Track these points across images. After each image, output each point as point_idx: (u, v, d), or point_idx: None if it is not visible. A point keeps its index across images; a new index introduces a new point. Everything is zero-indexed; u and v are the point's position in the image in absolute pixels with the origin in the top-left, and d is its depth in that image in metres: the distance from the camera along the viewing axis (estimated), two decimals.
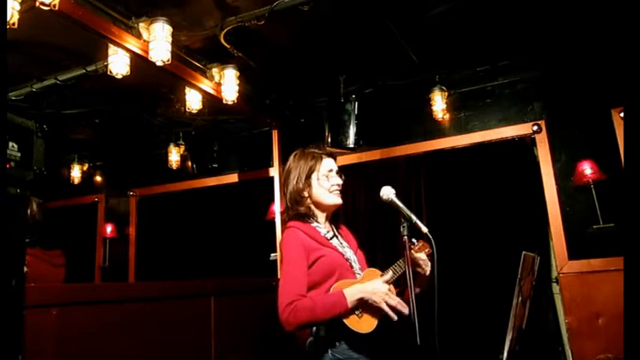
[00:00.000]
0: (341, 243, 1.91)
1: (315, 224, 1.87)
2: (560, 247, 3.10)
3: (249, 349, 2.56)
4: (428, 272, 1.80)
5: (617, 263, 2.87)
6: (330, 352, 1.69)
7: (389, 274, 1.77)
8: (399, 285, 1.88)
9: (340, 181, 1.91)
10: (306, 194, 1.89)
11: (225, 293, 2.45)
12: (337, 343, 1.69)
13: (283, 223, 1.92)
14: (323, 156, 1.93)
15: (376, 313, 1.73)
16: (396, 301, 1.69)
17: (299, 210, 1.87)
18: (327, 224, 1.94)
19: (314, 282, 1.73)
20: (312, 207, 1.90)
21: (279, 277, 3.33)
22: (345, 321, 1.67)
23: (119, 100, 3.64)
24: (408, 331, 1.58)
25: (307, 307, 1.62)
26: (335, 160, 1.97)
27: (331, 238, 1.87)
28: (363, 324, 1.70)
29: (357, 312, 1.70)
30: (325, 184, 1.88)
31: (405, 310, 1.68)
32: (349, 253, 1.88)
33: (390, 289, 1.74)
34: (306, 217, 1.87)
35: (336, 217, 2.01)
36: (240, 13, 2.65)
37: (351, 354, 1.69)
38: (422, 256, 1.81)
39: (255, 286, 2.81)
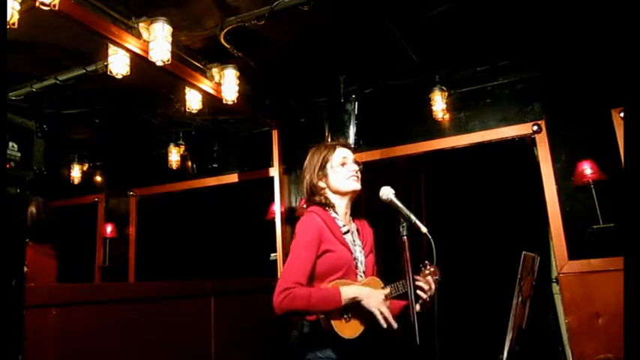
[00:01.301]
0: (353, 241, 1.88)
1: (333, 214, 1.87)
2: (560, 247, 3.09)
3: (249, 349, 2.56)
4: (430, 297, 1.79)
5: (617, 263, 2.86)
6: (313, 351, 1.70)
7: (388, 290, 1.79)
8: (407, 298, 1.87)
9: (356, 168, 1.90)
10: (322, 184, 1.89)
11: (225, 293, 2.45)
12: (320, 343, 1.69)
13: (293, 216, 1.94)
14: (337, 146, 1.94)
15: (365, 320, 1.73)
16: (388, 313, 1.69)
17: (314, 200, 1.88)
18: (347, 217, 1.92)
19: (318, 273, 1.73)
20: (330, 196, 1.89)
21: (279, 276, 3.33)
22: (331, 321, 1.67)
23: (119, 100, 3.64)
24: (406, 332, 1.58)
25: (303, 296, 1.63)
26: (352, 150, 1.97)
27: (345, 233, 1.86)
28: (347, 329, 1.70)
29: (345, 316, 1.70)
30: (341, 171, 1.88)
31: (395, 325, 1.69)
32: (358, 253, 1.86)
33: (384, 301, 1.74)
34: (325, 205, 1.87)
35: (356, 212, 2.00)
36: (240, 13, 2.65)
37: (331, 355, 1.69)
38: (429, 282, 1.79)
39: (255, 286, 2.81)
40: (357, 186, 1.89)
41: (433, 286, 1.77)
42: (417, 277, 1.77)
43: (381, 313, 1.68)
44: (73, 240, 4.64)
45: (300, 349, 1.72)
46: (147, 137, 4.47)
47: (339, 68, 3.48)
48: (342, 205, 1.91)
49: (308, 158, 1.96)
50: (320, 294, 1.66)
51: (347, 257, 1.80)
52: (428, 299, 1.78)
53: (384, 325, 1.68)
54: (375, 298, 1.70)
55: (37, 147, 1.37)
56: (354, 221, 1.97)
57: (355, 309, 1.70)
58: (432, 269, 1.81)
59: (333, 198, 1.90)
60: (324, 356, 1.68)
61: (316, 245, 1.74)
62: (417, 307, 1.75)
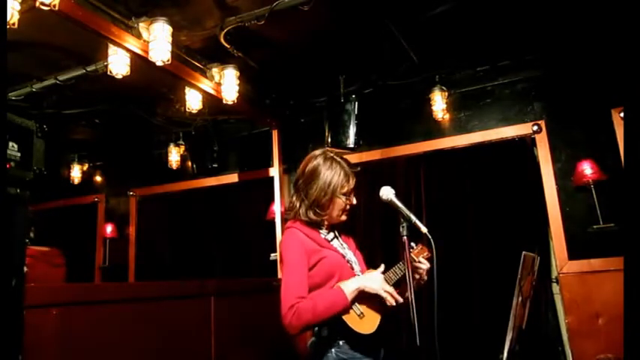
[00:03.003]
0: (342, 244, 1.90)
1: (316, 228, 1.86)
2: (560, 247, 3.10)
3: (249, 349, 2.56)
4: (424, 279, 1.80)
5: (617, 263, 2.87)
6: (333, 351, 1.69)
7: (381, 267, 1.78)
8: (398, 287, 1.88)
9: (355, 202, 1.89)
10: (325, 203, 1.85)
11: (225, 293, 2.45)
12: (340, 343, 1.69)
13: (285, 221, 1.89)
14: (353, 175, 1.88)
15: (378, 309, 1.73)
16: (392, 289, 1.71)
17: (319, 214, 1.81)
18: (329, 228, 1.93)
19: (315, 284, 1.73)
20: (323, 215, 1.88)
21: (279, 277, 3.33)
22: (347, 322, 1.67)
23: (119, 100, 3.64)
24: (408, 331, 1.58)
25: (308, 308, 1.62)
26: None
27: (332, 240, 1.87)
28: (365, 325, 1.70)
29: (358, 312, 1.70)
30: (342, 203, 1.84)
31: (400, 299, 1.70)
32: (350, 255, 1.88)
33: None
34: (314, 224, 1.84)
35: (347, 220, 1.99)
36: (240, 13, 2.65)
37: (355, 354, 1.69)
38: (421, 262, 1.79)
39: (255, 287, 2.81)
40: (344, 219, 1.89)
41: (425, 267, 1.77)
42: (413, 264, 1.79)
43: (387, 292, 1.69)
44: (73, 240, 4.65)
45: (320, 353, 1.72)
46: (147, 137, 4.47)
47: (339, 68, 3.48)
48: (326, 223, 1.90)
49: (326, 168, 1.83)
50: (324, 300, 1.66)
51: (339, 260, 1.80)
52: (423, 277, 1.79)
53: (392, 303, 1.69)
54: (375, 280, 1.71)
55: (37, 147, 1.37)
56: (333, 229, 1.96)
57: (365, 302, 1.71)
58: (420, 248, 1.80)
59: (323, 217, 1.87)
60: (347, 357, 1.68)
61: (305, 259, 1.73)
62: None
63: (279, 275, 3.32)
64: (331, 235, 1.89)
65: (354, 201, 1.88)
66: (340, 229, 1.99)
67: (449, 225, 3.50)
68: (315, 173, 1.83)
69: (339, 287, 1.68)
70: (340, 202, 1.84)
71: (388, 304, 1.69)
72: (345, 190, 1.84)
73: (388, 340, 1.81)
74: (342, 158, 1.91)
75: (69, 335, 1.61)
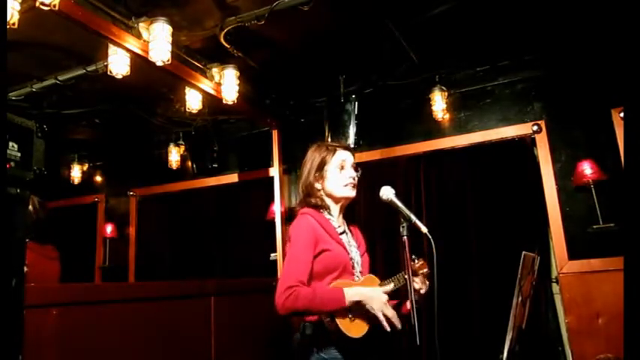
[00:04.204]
0: (349, 241, 1.90)
1: (328, 216, 1.87)
2: (560, 247, 3.09)
3: (249, 349, 2.56)
4: (424, 291, 1.79)
5: (617, 263, 2.87)
6: (317, 352, 1.69)
7: (390, 286, 1.76)
8: (399, 297, 1.87)
9: (354, 174, 1.90)
10: (318, 186, 1.89)
11: (225, 293, 2.45)
12: (325, 345, 1.69)
13: (292, 217, 1.92)
14: (337, 148, 1.93)
15: (369, 319, 1.72)
16: (392, 314, 1.69)
17: (310, 201, 1.87)
18: (340, 218, 1.93)
19: (314, 272, 1.73)
20: (325, 199, 1.90)
21: (278, 276, 3.33)
22: (337, 321, 1.67)
23: (119, 100, 3.64)
24: (407, 332, 1.57)
25: (307, 295, 1.62)
26: (352, 154, 1.96)
27: (341, 234, 1.87)
28: (354, 328, 1.69)
29: (349, 315, 1.70)
30: (337, 176, 1.87)
31: (399, 325, 1.68)
32: (354, 253, 1.87)
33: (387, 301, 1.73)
34: (319, 207, 1.86)
35: (350, 215, 2.01)
36: (240, 13, 2.65)
37: (337, 355, 1.69)
38: (419, 277, 1.78)
39: (255, 286, 2.81)
40: (352, 194, 1.89)
41: (427, 283, 1.78)
42: (413, 278, 1.77)
43: (385, 316, 1.67)
44: (73, 240, 4.64)
45: (304, 352, 1.72)
46: (147, 137, 4.47)
47: (339, 68, 3.48)
48: (336, 207, 1.91)
49: (308, 156, 1.95)
50: (324, 294, 1.66)
51: (343, 256, 1.80)
52: (423, 289, 1.79)
53: (387, 328, 1.67)
54: (377, 300, 1.69)
55: (37, 147, 1.37)
56: (345, 221, 1.97)
57: (359, 309, 1.70)
58: (421, 262, 1.80)
59: (327, 200, 1.90)
60: (329, 357, 1.68)
61: (313, 245, 1.73)
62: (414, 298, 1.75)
63: (278, 274, 3.32)
64: (342, 228, 1.89)
65: (353, 173, 1.90)
66: (353, 226, 2.00)
67: (449, 225, 3.50)
68: (303, 163, 1.96)
69: (342, 290, 1.67)
70: (330, 175, 1.87)
71: (383, 328, 1.68)
72: (329, 161, 1.88)
73: (377, 351, 1.80)
74: (332, 142, 1.99)
75: (69, 335, 1.61)
